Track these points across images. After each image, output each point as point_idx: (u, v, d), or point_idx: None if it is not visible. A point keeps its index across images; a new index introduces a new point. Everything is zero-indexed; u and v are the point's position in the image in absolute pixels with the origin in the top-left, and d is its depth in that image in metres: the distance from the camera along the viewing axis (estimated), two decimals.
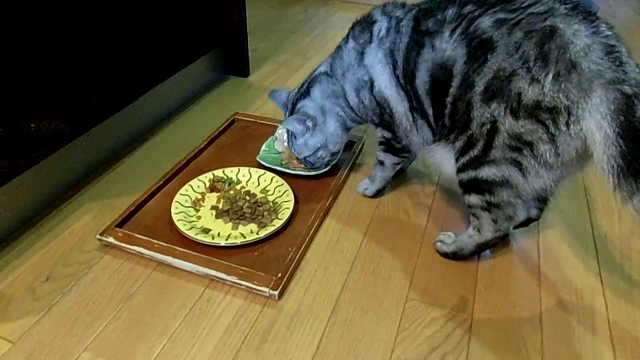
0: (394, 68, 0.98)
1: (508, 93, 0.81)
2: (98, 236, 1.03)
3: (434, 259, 1.04)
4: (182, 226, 1.03)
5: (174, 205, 1.09)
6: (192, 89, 1.62)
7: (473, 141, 0.87)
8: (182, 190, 1.14)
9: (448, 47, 0.89)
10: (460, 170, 0.92)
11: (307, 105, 1.11)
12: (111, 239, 1.01)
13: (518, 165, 0.84)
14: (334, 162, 1.25)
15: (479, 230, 0.97)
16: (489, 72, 0.82)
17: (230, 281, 0.94)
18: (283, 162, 1.27)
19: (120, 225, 1.06)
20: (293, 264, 0.97)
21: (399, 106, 1.01)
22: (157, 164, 1.30)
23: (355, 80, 1.05)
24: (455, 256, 1.03)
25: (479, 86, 0.83)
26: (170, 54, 1.36)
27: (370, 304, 0.94)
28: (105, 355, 0.83)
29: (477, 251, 1.01)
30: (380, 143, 1.13)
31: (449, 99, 0.89)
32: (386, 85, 1.00)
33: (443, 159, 0.98)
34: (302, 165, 1.24)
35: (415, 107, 0.99)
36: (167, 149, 1.37)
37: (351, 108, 1.09)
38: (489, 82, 0.82)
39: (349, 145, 1.33)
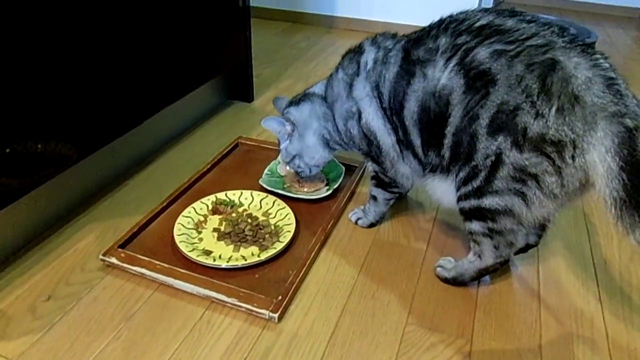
0: (381, 101, 1.00)
1: (513, 127, 0.82)
2: (100, 256, 1.03)
3: (433, 284, 1.05)
4: (184, 248, 1.04)
5: (176, 227, 1.10)
6: (196, 113, 1.65)
7: (476, 172, 0.88)
8: (184, 212, 1.15)
9: (443, 76, 0.89)
10: (461, 199, 0.93)
11: (292, 113, 1.16)
12: (113, 260, 1.02)
13: (522, 195, 0.85)
14: (335, 187, 1.26)
15: (479, 256, 0.98)
16: (493, 106, 0.83)
17: (231, 303, 0.95)
18: (285, 186, 1.28)
19: (122, 246, 1.07)
20: (293, 287, 0.98)
21: (386, 138, 1.03)
22: (160, 186, 1.31)
23: (343, 111, 1.07)
24: (455, 281, 1.03)
25: (484, 119, 0.84)
26: (177, 79, 1.39)
27: (369, 328, 0.94)
28: None
29: (478, 277, 1.01)
30: (372, 178, 1.15)
31: (450, 130, 0.90)
32: (373, 117, 1.02)
33: (441, 189, 0.99)
34: (305, 190, 1.26)
35: (401, 139, 1.00)
36: (170, 171, 1.39)
37: (339, 133, 1.11)
38: (494, 115, 0.83)
39: (350, 170, 1.35)
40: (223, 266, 1.01)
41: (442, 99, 0.90)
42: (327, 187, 1.28)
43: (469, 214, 0.94)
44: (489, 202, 0.89)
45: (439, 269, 1.06)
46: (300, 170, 1.21)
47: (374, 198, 1.16)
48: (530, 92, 0.81)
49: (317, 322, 0.94)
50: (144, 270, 1.00)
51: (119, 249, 1.05)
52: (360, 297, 1.01)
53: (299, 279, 1.00)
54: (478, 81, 0.85)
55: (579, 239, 1.19)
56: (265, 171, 1.32)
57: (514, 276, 1.07)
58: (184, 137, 1.57)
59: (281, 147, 1.20)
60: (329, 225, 1.15)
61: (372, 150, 1.07)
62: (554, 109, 0.79)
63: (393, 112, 0.99)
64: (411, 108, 0.95)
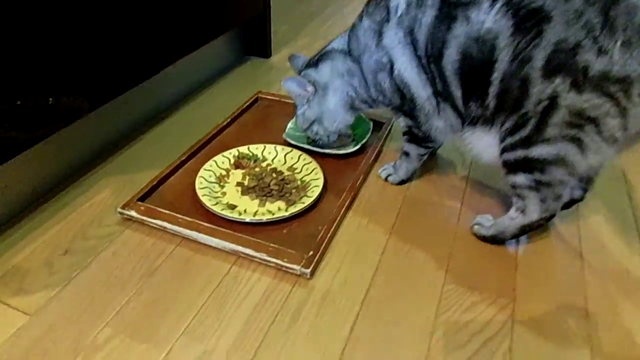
0: (415, 49, 0.92)
1: (573, 66, 0.75)
2: (119, 209, 0.98)
3: (470, 243, 0.99)
4: (207, 201, 0.98)
5: (198, 180, 1.04)
6: (212, 68, 1.57)
7: (525, 120, 0.82)
8: (206, 166, 1.09)
9: (488, 19, 0.82)
10: (506, 150, 0.87)
11: (311, 75, 1.08)
12: (133, 213, 0.97)
13: (577, 142, 0.79)
14: (363, 142, 1.20)
15: (523, 212, 0.92)
16: (549, 45, 0.76)
17: (259, 258, 0.89)
18: (309, 140, 1.21)
19: (142, 199, 1.01)
20: (324, 243, 0.92)
21: (421, 90, 0.95)
22: (177, 141, 1.25)
23: (372, 63, 0.99)
24: (494, 240, 0.97)
25: (538, 60, 0.77)
26: (192, 29, 1.31)
27: (405, 287, 0.88)
28: (127, 331, 0.79)
29: (520, 234, 0.95)
30: (404, 133, 1.08)
31: (496, 77, 0.83)
32: (406, 67, 0.94)
33: (482, 143, 0.92)
34: (333, 143, 1.19)
35: (440, 90, 0.93)
36: (187, 126, 1.33)
37: (367, 89, 1.04)
38: (550, 55, 0.76)
39: (377, 127, 1.27)
40: (249, 220, 0.96)
41: (487, 44, 0.82)
42: (354, 142, 1.21)
43: (515, 166, 0.87)
44: (538, 151, 0.83)
45: (476, 227, 1.00)
46: (317, 138, 1.15)
47: (406, 154, 1.09)
48: (591, 27, 0.73)
49: (350, 280, 0.89)
50: (165, 224, 0.94)
51: (139, 202, 0.99)
52: (394, 255, 0.95)
53: (329, 234, 0.94)
54: (529, 21, 0.78)
55: (619, 195, 1.12)
56: (289, 125, 1.25)
57: (553, 235, 1.01)
58: (200, 93, 1.50)
59: (298, 112, 1.13)
60: (358, 182, 1.09)
61: (405, 104, 1.00)
62: (618, 44, 0.72)
63: (430, 61, 0.91)
64: (452, 56, 0.87)
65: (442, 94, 0.93)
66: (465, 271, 0.92)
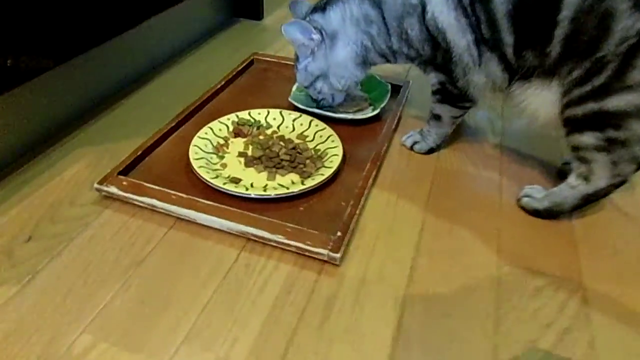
0: None
1: None
2: (96, 185, 0.79)
3: (519, 218, 0.84)
4: (205, 174, 0.81)
5: (192, 150, 0.86)
6: (198, 30, 1.38)
7: (601, 65, 0.67)
8: (201, 134, 0.91)
9: None
10: (572, 104, 0.72)
11: (318, 21, 0.91)
12: (113, 189, 0.78)
13: None
14: (382, 106, 1.03)
15: (586, 179, 0.77)
16: None
17: (275, 241, 0.72)
18: (318, 105, 1.04)
19: (124, 172, 0.82)
20: (353, 222, 0.76)
21: (460, 38, 0.79)
22: (163, 107, 1.06)
23: (398, 6, 0.83)
24: (549, 213, 0.82)
25: None
26: None
27: (455, 272, 0.73)
28: (111, 338, 0.61)
29: (581, 205, 0.80)
30: (435, 92, 0.91)
31: (566, 15, 0.67)
32: (442, 10, 0.78)
33: (539, 99, 0.77)
34: (345, 107, 1.02)
35: (485, 37, 0.77)
36: (174, 91, 1.14)
37: (387, 38, 0.87)
38: None
39: (396, 90, 1.11)
40: (258, 196, 0.78)
41: None
42: (372, 107, 1.04)
43: (582, 124, 0.73)
44: (616, 102, 0.68)
45: (525, 199, 0.85)
46: (321, 98, 0.98)
47: (437, 117, 0.93)
48: None
49: (387, 265, 0.73)
50: (154, 202, 0.76)
51: (120, 176, 0.80)
52: (434, 235, 0.79)
53: (357, 212, 0.78)
54: None
55: None
56: (294, 89, 1.07)
57: (609, 205, 0.87)
58: (186, 55, 1.30)
59: (299, 66, 0.95)
60: (383, 150, 0.92)
61: (438, 55, 0.83)
62: None
63: (474, 0, 0.75)
64: None
65: (487, 42, 0.77)
66: (520, 251, 0.77)
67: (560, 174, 0.93)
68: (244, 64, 1.18)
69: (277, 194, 0.78)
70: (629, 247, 0.79)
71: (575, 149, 0.76)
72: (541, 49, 0.72)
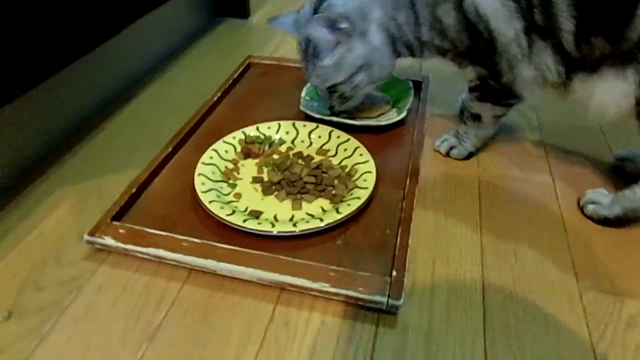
0: None
1: None
2: (86, 237, 0.64)
3: (587, 228, 0.72)
4: (219, 210, 0.66)
5: (197, 180, 0.72)
6: (180, 36, 1.22)
7: None
8: (204, 159, 0.76)
9: None
10: None
11: (337, 3, 0.74)
12: (109, 240, 0.63)
13: None
14: (408, 107, 0.90)
15: None
16: None
17: (318, 290, 0.59)
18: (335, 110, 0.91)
19: (118, 217, 0.67)
20: (407, 255, 0.62)
21: (506, 27, 0.67)
22: (152, 128, 0.91)
23: None
24: (620, 221, 0.71)
25: None
26: None
27: (534, 305, 0.61)
28: None
29: None
30: (473, 89, 0.79)
31: None
32: None
33: (608, 93, 0.65)
34: (365, 114, 0.89)
35: (538, 24, 0.65)
36: (162, 108, 0.98)
37: (416, 28, 0.74)
38: None
39: (416, 86, 0.98)
40: (283, 234, 0.64)
41: None
42: (396, 109, 0.91)
43: None
44: None
45: (591, 206, 0.73)
46: (349, 95, 0.81)
47: (477, 117, 0.81)
48: None
49: (454, 305, 0.60)
50: (162, 252, 0.62)
51: (115, 223, 0.66)
52: (498, 258, 0.67)
53: (407, 241, 0.65)
54: None
55: None
56: (303, 96, 0.93)
57: None
58: (171, 64, 1.15)
59: (322, 62, 0.77)
60: (419, 160, 0.80)
61: (479, 46, 0.71)
62: None
63: None
64: None
65: (540, 30, 0.65)
66: (600, 270, 0.66)
67: (615, 170, 0.83)
68: (240, 70, 1.03)
69: (308, 229, 0.65)
70: None
71: None
72: (617, 33, 0.60)
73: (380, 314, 0.59)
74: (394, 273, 0.59)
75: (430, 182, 0.80)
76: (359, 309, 0.59)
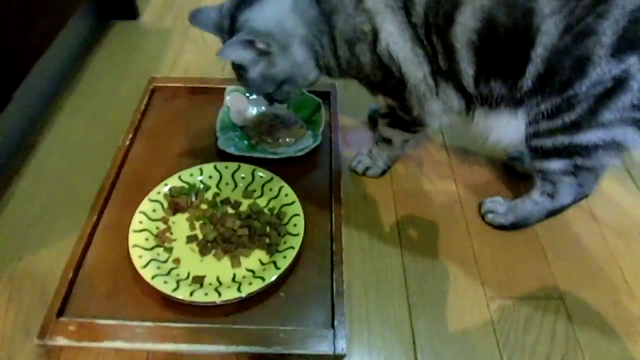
0: (409, 14, 0.67)
1: None
2: (36, 341, 0.64)
3: (487, 233, 0.84)
4: (163, 287, 0.69)
5: (134, 253, 0.73)
6: (65, 54, 1.12)
7: (572, 103, 0.65)
8: (134, 225, 0.77)
9: None
10: (540, 135, 0.71)
11: (254, 19, 0.72)
12: (61, 340, 0.64)
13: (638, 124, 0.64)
14: (322, 129, 0.94)
15: (550, 196, 0.78)
16: (620, 16, 0.58)
17: (272, 354, 0.65)
18: (252, 142, 0.93)
19: (62, 310, 0.68)
20: (344, 300, 0.70)
21: (415, 69, 0.72)
22: (66, 181, 0.88)
23: (349, 29, 0.71)
24: (514, 226, 0.84)
25: (606, 36, 0.59)
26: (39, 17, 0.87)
27: (452, 322, 0.73)
28: None
29: (545, 218, 0.82)
30: (384, 115, 0.85)
31: (540, 53, 0.63)
32: (397, 39, 0.69)
33: (503, 127, 0.74)
34: (280, 140, 0.92)
35: (442, 69, 0.71)
36: (70, 151, 0.95)
37: (335, 58, 0.76)
38: (625, 29, 0.58)
39: (324, 96, 1.01)
40: (230, 300, 0.69)
41: (521, 8, 0.61)
42: (312, 132, 0.95)
43: (550, 153, 0.72)
44: (588, 137, 0.67)
45: (490, 215, 0.85)
46: (283, 98, 0.83)
47: (387, 141, 0.88)
48: None
49: (388, 339, 0.70)
50: (119, 344, 0.65)
51: (61, 319, 0.66)
52: (420, 281, 0.78)
53: (343, 286, 0.72)
54: None
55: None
56: (217, 128, 0.93)
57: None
58: (64, 97, 1.07)
59: (250, 74, 0.76)
60: (339, 191, 0.86)
61: (391, 83, 0.76)
62: None
63: (431, 30, 0.67)
64: (467, 24, 0.64)
65: (444, 73, 0.71)
66: (500, 276, 0.79)
67: (507, 169, 0.95)
68: (146, 99, 1.00)
69: (252, 292, 0.70)
70: (590, 245, 0.83)
71: (542, 172, 0.76)
72: (512, 82, 0.68)
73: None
74: (336, 324, 0.67)
75: (352, 205, 0.87)
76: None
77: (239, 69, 0.77)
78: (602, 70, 0.61)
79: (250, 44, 0.70)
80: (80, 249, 0.74)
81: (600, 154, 0.69)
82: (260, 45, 0.71)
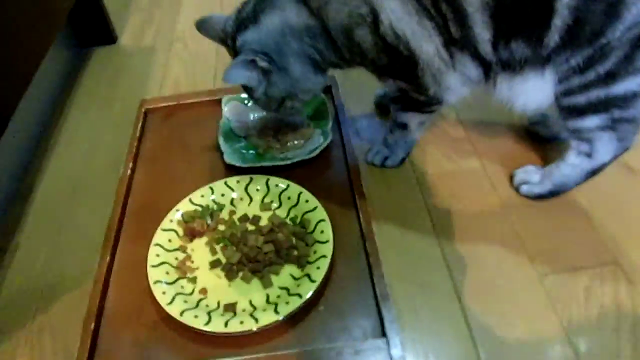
0: None
1: None
2: None
3: (526, 206, 0.79)
4: (194, 321, 0.64)
5: (156, 289, 0.68)
6: (49, 88, 1.07)
7: (606, 52, 0.60)
8: (152, 260, 0.71)
9: None
10: (572, 92, 0.65)
11: (252, 41, 0.72)
12: None
13: None
14: (330, 125, 0.88)
15: (589, 155, 0.73)
16: None
17: None
18: (259, 151, 0.87)
19: (90, 358, 0.63)
20: (389, 300, 0.65)
21: (426, 44, 0.66)
22: (70, 222, 0.83)
23: (343, 17, 0.67)
24: (553, 194, 0.79)
25: None
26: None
27: (507, 308, 0.67)
28: None
29: (586, 179, 0.76)
30: (396, 100, 0.80)
31: (567, 2, 0.57)
32: (401, 16, 0.64)
33: (530, 90, 0.68)
34: (289, 144, 0.87)
35: (456, 38, 0.65)
36: (69, 189, 0.89)
37: (336, 52, 0.72)
38: None
39: (325, 92, 0.95)
40: (272, 324, 0.64)
41: None
42: (320, 131, 0.89)
43: (585, 110, 0.67)
44: (626, 86, 0.62)
45: (524, 187, 0.79)
46: (292, 113, 0.84)
47: (403, 126, 0.82)
48: None
49: (443, 334, 0.65)
50: None
51: None
52: (464, 268, 0.72)
53: (384, 285, 0.67)
54: None
55: None
56: (220, 141, 0.88)
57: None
58: (55, 132, 1.02)
59: (256, 94, 0.76)
60: (360, 186, 0.80)
61: (399, 64, 0.70)
62: None
63: None
64: None
65: (458, 42, 0.65)
66: (549, 249, 0.73)
67: (530, 135, 0.89)
68: (140, 123, 0.94)
69: (291, 312, 0.64)
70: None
71: (576, 131, 0.70)
72: (536, 40, 0.62)
73: None
74: (387, 331, 0.62)
75: (377, 200, 0.81)
76: None
77: (246, 89, 0.77)
78: (638, 10, 0.55)
79: (252, 63, 0.70)
80: (99, 295, 0.69)
81: (638, 102, 0.63)
82: (263, 64, 0.71)
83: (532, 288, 0.69)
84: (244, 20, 0.73)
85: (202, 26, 0.79)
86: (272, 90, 0.75)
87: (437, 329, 0.66)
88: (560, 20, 0.58)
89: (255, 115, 0.93)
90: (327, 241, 0.71)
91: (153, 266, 0.71)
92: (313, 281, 0.67)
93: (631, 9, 0.55)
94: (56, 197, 0.88)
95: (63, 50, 1.14)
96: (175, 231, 0.76)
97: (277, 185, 0.80)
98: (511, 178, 0.82)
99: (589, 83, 0.63)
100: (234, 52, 0.75)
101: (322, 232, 0.73)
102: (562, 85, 0.65)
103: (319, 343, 0.62)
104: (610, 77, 0.61)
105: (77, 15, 1.15)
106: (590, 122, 0.67)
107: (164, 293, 0.67)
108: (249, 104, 0.94)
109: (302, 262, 0.70)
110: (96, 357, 0.64)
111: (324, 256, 0.69)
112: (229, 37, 0.75)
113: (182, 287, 0.69)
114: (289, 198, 0.79)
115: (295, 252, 0.72)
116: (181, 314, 0.65)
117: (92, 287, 0.70)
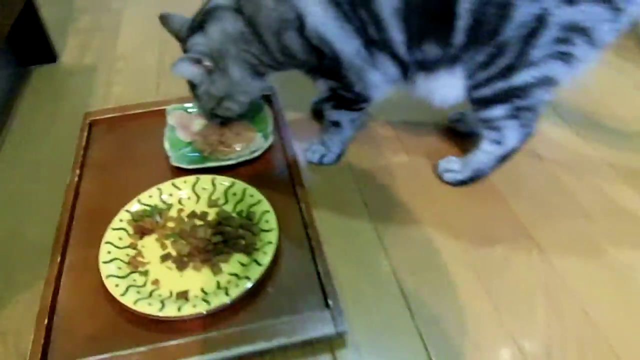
0: None
1: None
2: None
3: (450, 194, 0.88)
4: (147, 308, 0.67)
5: (109, 283, 0.70)
6: None
7: (502, 48, 0.70)
8: (103, 257, 0.74)
9: None
10: (480, 86, 0.76)
11: (200, 44, 0.82)
12: None
13: (565, 57, 0.70)
14: (271, 129, 0.95)
15: (498, 142, 0.83)
16: None
17: (277, 347, 0.65)
18: (206, 154, 0.92)
19: (43, 354, 0.64)
20: (330, 276, 0.71)
21: (347, 45, 0.76)
22: (12, 238, 0.84)
23: (273, 22, 0.76)
24: (472, 180, 0.88)
25: None
26: None
27: (438, 278, 0.75)
28: None
29: (499, 164, 0.87)
30: (327, 99, 0.88)
31: (466, 7, 0.67)
32: (323, 19, 0.73)
33: (445, 86, 0.79)
34: (236, 146, 0.92)
35: (373, 39, 0.75)
36: (10, 211, 0.89)
37: (269, 54, 0.80)
38: None
39: (264, 99, 1.02)
40: (220, 305, 0.68)
41: None
42: (261, 134, 0.95)
43: (491, 100, 0.77)
44: (522, 78, 0.72)
45: (447, 175, 0.89)
46: (229, 115, 0.89)
47: (336, 124, 0.90)
48: None
49: (386, 307, 0.71)
50: None
51: None
52: (398, 247, 0.79)
53: (326, 263, 0.73)
54: None
55: None
56: (167, 147, 0.92)
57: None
58: None
59: (199, 91, 0.85)
60: (299, 179, 0.86)
61: (326, 64, 0.79)
62: None
63: (356, 4, 0.71)
64: None
65: (377, 43, 0.75)
66: (472, 227, 0.82)
67: (450, 131, 0.99)
68: (85, 134, 0.96)
69: (240, 293, 0.69)
70: (548, 184, 0.89)
71: (486, 121, 0.80)
72: (444, 40, 0.72)
73: (332, 341, 0.67)
74: (331, 303, 0.67)
75: (317, 194, 0.87)
76: (313, 345, 0.67)
77: (191, 86, 0.85)
78: (522, 11, 0.66)
79: (197, 61, 0.79)
80: (50, 294, 0.70)
81: (536, 92, 0.74)
82: (207, 63, 0.80)
83: (458, 261, 0.77)
84: (194, 28, 0.82)
85: (165, 21, 0.87)
86: (213, 88, 0.83)
87: (377, 301, 0.72)
88: (462, 22, 0.68)
89: (199, 122, 0.98)
90: (272, 229, 0.76)
91: (105, 262, 0.73)
92: (260, 265, 0.72)
93: (519, 11, 0.66)
94: (1, 210, 0.89)
95: (2, 69, 1.15)
96: (125, 230, 0.79)
97: (222, 183, 0.85)
98: (435, 168, 0.91)
99: (492, 76, 0.73)
100: (185, 52, 0.83)
101: (267, 221, 0.78)
102: (471, 80, 0.75)
103: (268, 320, 0.67)
104: (509, 70, 0.71)
105: (17, 33, 1.16)
106: (497, 111, 0.77)
107: (117, 286, 0.70)
108: (193, 112, 0.98)
109: (249, 249, 0.75)
110: (50, 353, 0.66)
111: (270, 242, 0.75)
112: (182, 40, 0.84)
113: (134, 280, 0.72)
114: (234, 194, 0.84)
115: (243, 242, 0.77)
116: (135, 303, 0.68)
117: (42, 288, 0.71)
